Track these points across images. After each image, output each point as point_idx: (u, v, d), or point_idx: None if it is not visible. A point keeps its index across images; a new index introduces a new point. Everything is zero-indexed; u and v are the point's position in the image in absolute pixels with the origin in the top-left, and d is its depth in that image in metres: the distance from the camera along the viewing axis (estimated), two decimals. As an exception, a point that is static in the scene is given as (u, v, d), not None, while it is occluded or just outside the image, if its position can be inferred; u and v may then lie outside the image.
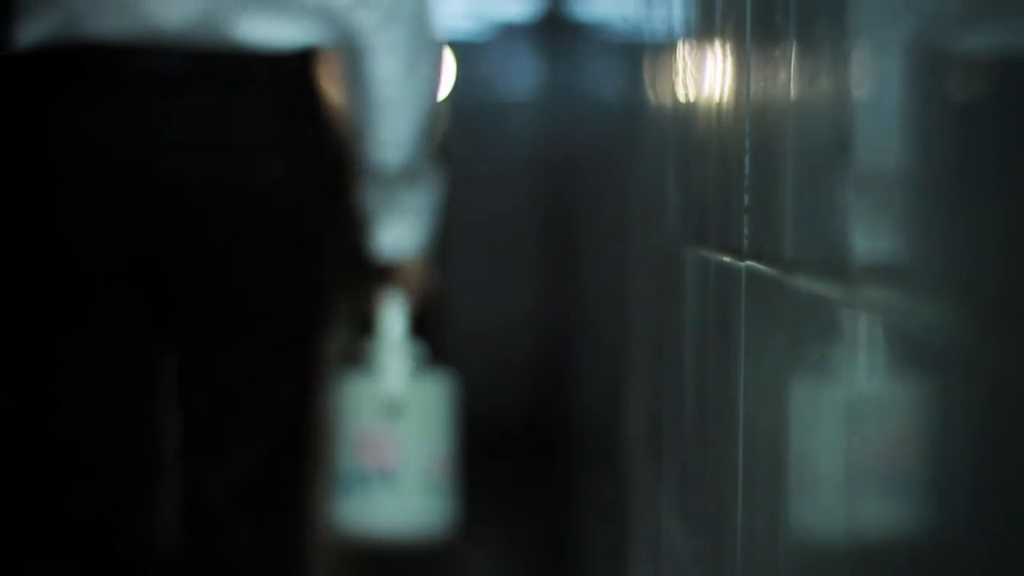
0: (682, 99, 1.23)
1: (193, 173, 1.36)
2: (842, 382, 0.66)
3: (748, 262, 0.87)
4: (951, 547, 0.51)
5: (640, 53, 1.73)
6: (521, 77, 4.36)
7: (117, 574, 1.39)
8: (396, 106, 1.37)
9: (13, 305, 1.37)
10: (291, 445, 1.41)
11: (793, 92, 0.77)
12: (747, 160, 0.84)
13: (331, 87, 1.40)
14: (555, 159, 4.23)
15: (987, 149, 0.49)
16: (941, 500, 0.53)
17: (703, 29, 1.12)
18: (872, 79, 0.61)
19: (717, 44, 1.04)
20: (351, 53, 1.38)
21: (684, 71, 1.22)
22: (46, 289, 1.37)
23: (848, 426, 0.65)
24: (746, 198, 0.84)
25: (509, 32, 4.30)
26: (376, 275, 1.47)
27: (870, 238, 0.61)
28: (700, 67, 1.12)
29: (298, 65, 1.37)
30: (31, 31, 1.34)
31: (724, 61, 0.99)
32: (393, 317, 1.44)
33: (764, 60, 0.85)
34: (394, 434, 1.36)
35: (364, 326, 1.46)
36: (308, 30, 1.37)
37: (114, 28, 1.32)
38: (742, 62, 0.91)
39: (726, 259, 0.91)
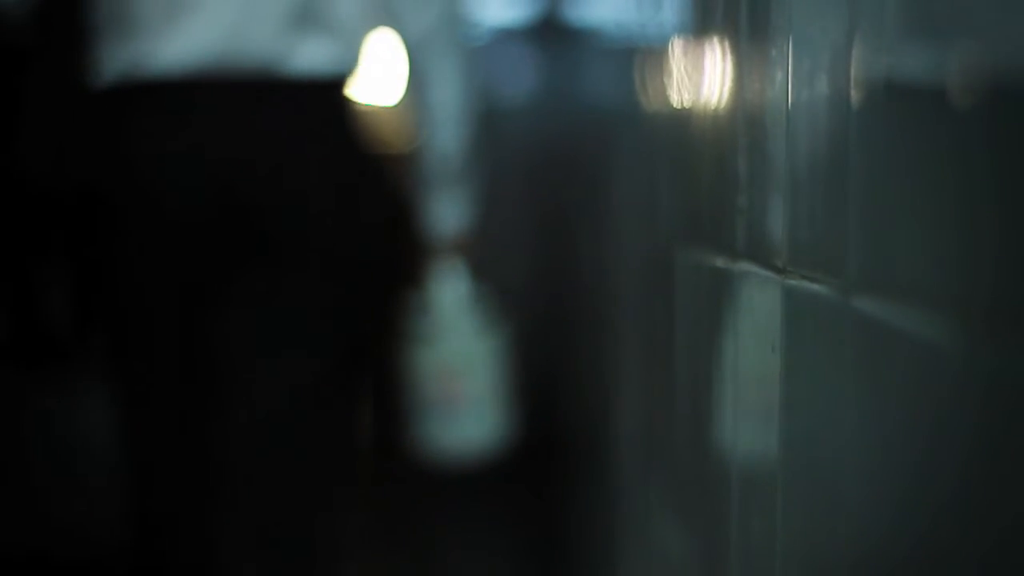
0: (675, 102, 1.24)
1: (248, 184, 1.56)
2: (837, 382, 0.66)
3: (742, 263, 0.87)
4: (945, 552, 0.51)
5: (635, 56, 1.73)
6: (518, 80, 4.37)
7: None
8: (448, 121, 1.74)
9: (102, 290, 1.57)
10: (343, 397, 1.64)
11: (789, 93, 0.77)
12: (741, 161, 0.84)
13: (362, 105, 1.66)
14: (553, 162, 4.24)
15: (982, 150, 0.49)
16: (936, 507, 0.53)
17: (698, 31, 1.12)
18: (867, 81, 0.61)
19: (713, 45, 1.04)
20: (415, 84, 1.72)
21: (678, 73, 1.23)
22: (126, 282, 1.57)
23: (853, 422, 0.65)
24: (740, 199, 0.84)
25: (506, 36, 4.31)
26: (436, 250, 1.79)
27: (862, 239, 0.61)
28: (695, 69, 1.13)
29: (336, 90, 1.59)
30: (110, 68, 1.53)
31: (719, 62, 0.99)
32: (455, 282, 1.78)
33: (758, 61, 0.85)
34: (463, 379, 1.73)
35: (429, 292, 1.77)
36: (343, 57, 1.59)
37: (179, 54, 1.52)
38: (736, 63, 0.92)
39: (719, 260, 0.91)
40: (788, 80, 0.77)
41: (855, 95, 0.64)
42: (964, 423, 0.50)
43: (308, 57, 1.54)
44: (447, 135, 1.74)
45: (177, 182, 1.52)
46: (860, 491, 0.61)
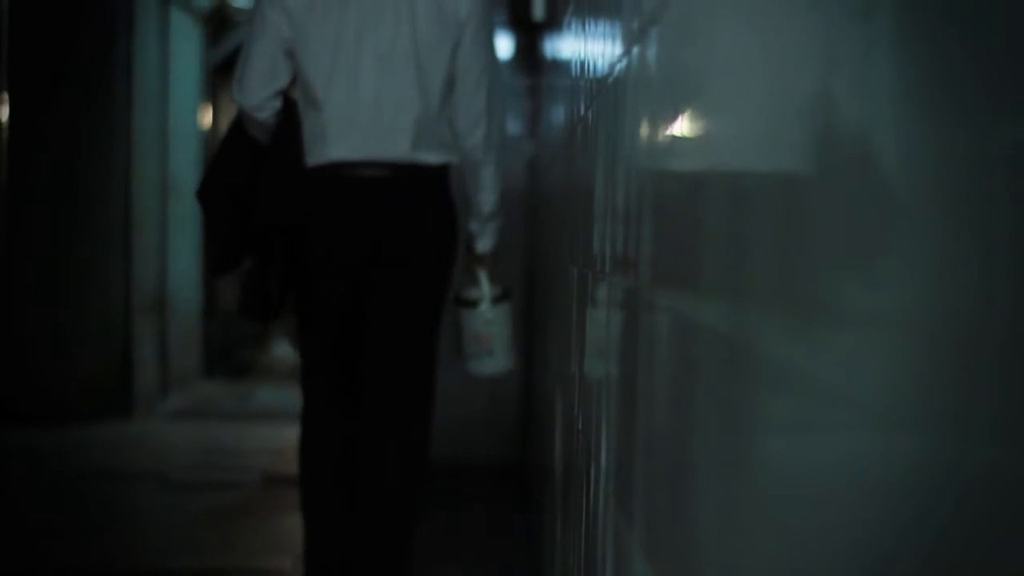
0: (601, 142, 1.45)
1: (390, 224, 2.92)
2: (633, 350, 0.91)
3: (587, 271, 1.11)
4: None
5: (588, 90, 1.94)
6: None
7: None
8: (489, 189, 3.01)
9: (296, 282, 2.96)
10: (431, 368, 3.00)
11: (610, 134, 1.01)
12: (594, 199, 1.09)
13: (455, 182, 3.02)
14: (526, 188, 4.47)
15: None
16: None
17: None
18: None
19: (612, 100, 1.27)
20: (470, 166, 3.00)
21: (613, 110, 1.45)
22: (312, 274, 2.95)
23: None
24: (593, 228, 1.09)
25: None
26: (477, 260, 3.11)
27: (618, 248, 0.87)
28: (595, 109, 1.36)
29: (442, 172, 2.94)
30: (311, 159, 2.91)
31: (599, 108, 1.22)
32: (485, 277, 3.09)
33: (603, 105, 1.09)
34: (490, 333, 3.06)
35: (476, 280, 3.12)
36: (447, 156, 2.95)
37: (352, 155, 2.89)
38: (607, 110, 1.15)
39: (575, 269, 1.12)
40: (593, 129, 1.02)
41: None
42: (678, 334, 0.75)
43: (424, 156, 2.87)
44: (486, 196, 3.01)
45: (342, 221, 2.88)
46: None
